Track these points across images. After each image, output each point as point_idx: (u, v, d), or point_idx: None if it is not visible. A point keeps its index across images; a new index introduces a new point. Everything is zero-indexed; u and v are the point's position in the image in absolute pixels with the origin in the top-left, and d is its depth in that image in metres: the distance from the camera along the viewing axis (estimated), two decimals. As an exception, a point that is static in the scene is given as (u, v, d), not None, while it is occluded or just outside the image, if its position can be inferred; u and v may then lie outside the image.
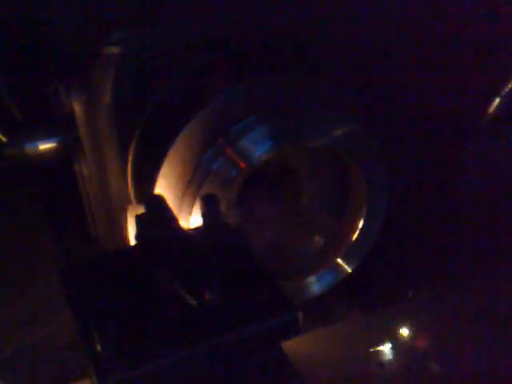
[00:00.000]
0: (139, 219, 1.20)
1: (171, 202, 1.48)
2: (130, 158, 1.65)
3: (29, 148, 1.76)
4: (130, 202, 1.68)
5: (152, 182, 1.51)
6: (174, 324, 1.11)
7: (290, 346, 1.32)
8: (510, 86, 1.72)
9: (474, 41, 1.73)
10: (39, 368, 1.70)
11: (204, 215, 1.28)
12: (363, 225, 1.71)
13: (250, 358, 1.17)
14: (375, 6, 1.66)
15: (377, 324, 1.64)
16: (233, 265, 1.23)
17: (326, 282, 1.74)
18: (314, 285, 1.74)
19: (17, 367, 1.69)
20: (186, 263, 1.08)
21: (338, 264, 1.74)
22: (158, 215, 1.17)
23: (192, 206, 1.50)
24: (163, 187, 1.52)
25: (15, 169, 1.96)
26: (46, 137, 1.77)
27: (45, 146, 1.76)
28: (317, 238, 1.79)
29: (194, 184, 1.50)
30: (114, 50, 1.65)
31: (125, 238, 1.64)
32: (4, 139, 1.85)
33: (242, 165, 1.52)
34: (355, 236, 1.72)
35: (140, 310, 1.14)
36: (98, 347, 1.06)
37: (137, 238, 1.21)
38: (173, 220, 1.16)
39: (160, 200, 1.22)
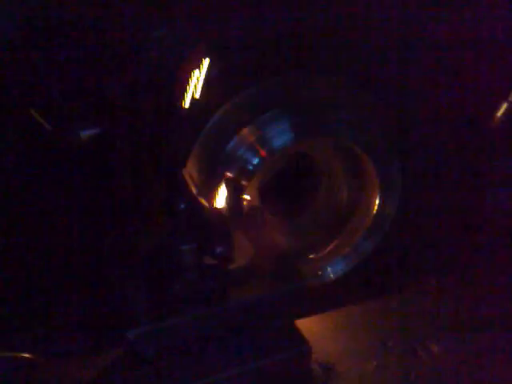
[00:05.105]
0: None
1: (198, 183, 1.63)
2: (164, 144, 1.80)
3: (71, 137, 1.87)
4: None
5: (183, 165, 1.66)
6: (193, 288, 1.26)
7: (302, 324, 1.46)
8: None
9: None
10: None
11: (227, 197, 1.42)
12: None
13: (262, 323, 1.32)
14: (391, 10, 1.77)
15: (385, 308, 1.76)
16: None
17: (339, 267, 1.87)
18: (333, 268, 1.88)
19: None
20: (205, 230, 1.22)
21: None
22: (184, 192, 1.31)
23: (216, 188, 1.64)
24: (193, 171, 1.66)
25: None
26: (90, 127, 1.88)
27: (87, 135, 1.87)
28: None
29: (219, 169, 1.65)
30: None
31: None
32: (49, 127, 1.96)
33: (264, 153, 1.65)
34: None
35: (165, 274, 1.28)
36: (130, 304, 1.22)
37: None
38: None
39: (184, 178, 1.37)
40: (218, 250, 1.18)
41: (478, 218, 2.05)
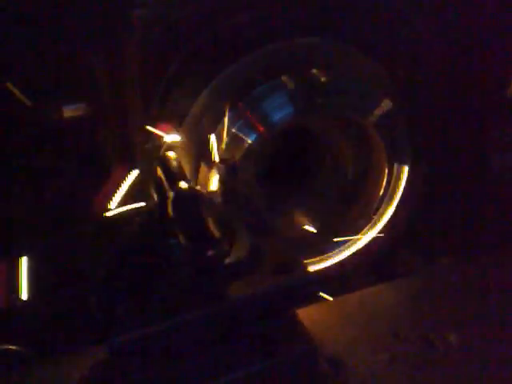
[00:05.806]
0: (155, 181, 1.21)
1: (190, 164, 1.49)
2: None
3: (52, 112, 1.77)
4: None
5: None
6: (182, 289, 1.12)
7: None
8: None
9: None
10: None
11: (221, 179, 1.28)
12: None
13: (262, 323, 1.18)
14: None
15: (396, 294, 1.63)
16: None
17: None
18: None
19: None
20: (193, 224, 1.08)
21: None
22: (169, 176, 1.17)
23: (210, 169, 1.50)
24: (183, 150, 1.52)
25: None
26: (72, 101, 1.77)
27: (70, 110, 1.77)
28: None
29: (213, 147, 1.50)
30: (141, 11, 1.64)
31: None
32: (28, 103, 1.86)
33: (261, 128, 1.50)
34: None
35: (151, 274, 1.14)
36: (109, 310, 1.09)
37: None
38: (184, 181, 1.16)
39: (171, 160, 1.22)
40: (210, 252, 1.03)
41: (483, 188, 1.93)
